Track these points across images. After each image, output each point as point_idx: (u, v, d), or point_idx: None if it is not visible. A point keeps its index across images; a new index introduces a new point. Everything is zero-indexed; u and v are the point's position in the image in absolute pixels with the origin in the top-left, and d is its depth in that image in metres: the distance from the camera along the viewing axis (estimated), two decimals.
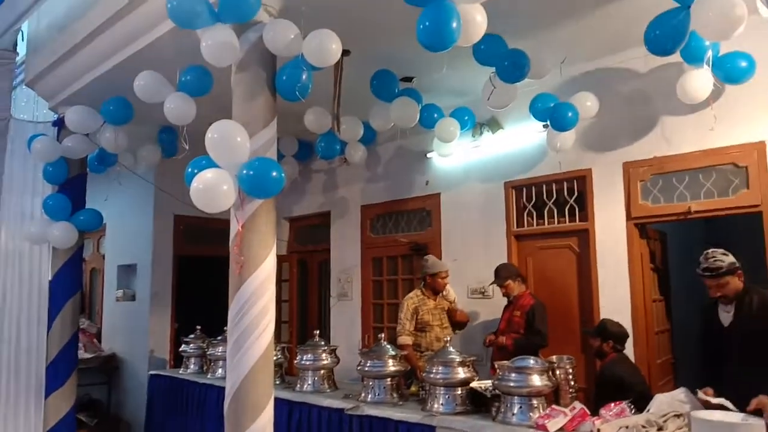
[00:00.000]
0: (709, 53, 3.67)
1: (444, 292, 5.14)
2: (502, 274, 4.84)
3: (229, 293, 3.46)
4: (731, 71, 3.78)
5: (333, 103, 4.38)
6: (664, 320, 5.13)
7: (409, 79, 4.97)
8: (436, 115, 5.08)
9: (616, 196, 4.77)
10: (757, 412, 2.70)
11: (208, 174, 3.25)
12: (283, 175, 3.34)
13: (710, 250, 3.32)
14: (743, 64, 3.75)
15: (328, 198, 7.07)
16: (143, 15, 4.22)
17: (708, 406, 2.98)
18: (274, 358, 4.90)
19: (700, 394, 3.08)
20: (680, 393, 3.24)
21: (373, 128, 5.27)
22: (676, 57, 3.89)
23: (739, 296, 3.29)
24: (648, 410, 3.18)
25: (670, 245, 5.47)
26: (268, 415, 3.41)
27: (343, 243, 6.83)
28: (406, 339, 4.95)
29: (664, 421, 2.97)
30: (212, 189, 3.23)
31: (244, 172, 3.25)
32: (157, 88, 4.33)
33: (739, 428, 2.61)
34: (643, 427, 2.88)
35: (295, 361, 4.81)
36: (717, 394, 3.03)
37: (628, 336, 4.06)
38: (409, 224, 6.35)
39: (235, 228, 3.42)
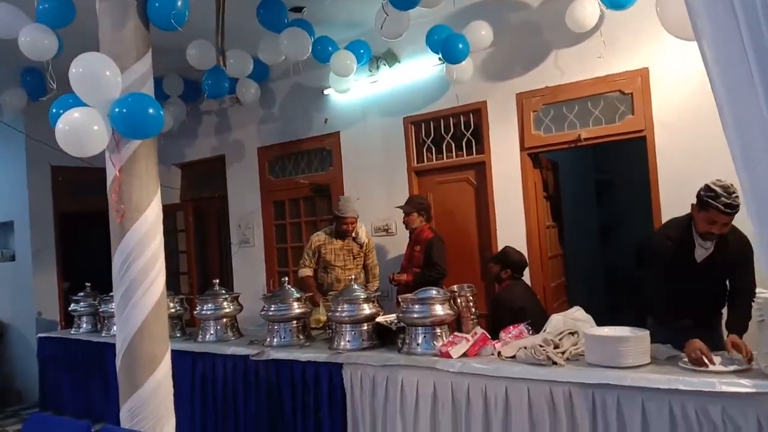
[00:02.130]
0: None
1: (354, 235, 5.01)
2: (409, 204, 4.85)
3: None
4: None
5: (216, 34, 4.06)
6: (557, 245, 5.38)
7: (299, 9, 4.70)
8: (330, 49, 4.87)
9: (510, 127, 4.84)
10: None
11: (74, 113, 2.91)
12: (162, 112, 3.05)
13: (728, 184, 2.84)
14: None
15: (221, 141, 6.72)
16: None
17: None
18: (172, 310, 4.80)
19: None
20: (574, 312, 3.39)
21: (264, 63, 4.98)
22: None
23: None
24: (545, 330, 3.30)
25: (561, 173, 5.68)
26: (165, 368, 3.25)
27: (240, 188, 6.56)
28: (304, 271, 5.01)
29: (560, 339, 3.10)
30: (80, 130, 2.90)
31: (117, 110, 2.93)
32: (10, 21, 3.80)
33: (627, 340, 2.76)
34: (541, 346, 2.98)
35: (195, 312, 4.61)
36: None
37: (527, 265, 4.20)
38: (309, 165, 6.17)
39: (112, 173, 3.12)
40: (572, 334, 3.17)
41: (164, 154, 7.27)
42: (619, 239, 7.35)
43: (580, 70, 4.49)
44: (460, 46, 4.42)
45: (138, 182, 3.14)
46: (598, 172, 7.54)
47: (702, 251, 3.06)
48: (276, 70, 5.87)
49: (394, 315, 3.72)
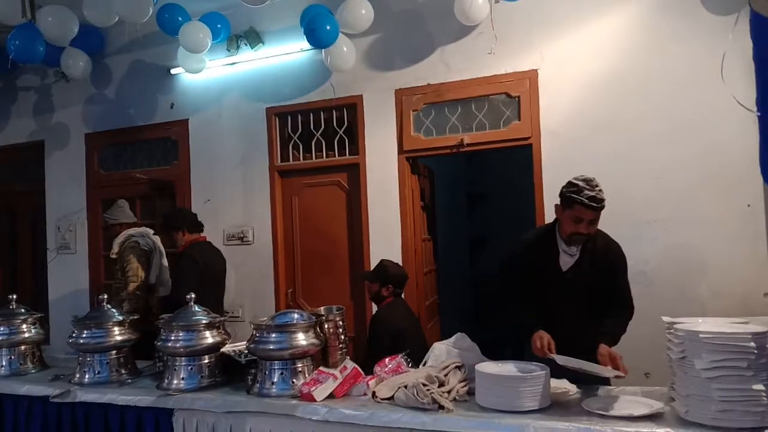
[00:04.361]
0: None
1: None
2: (167, 223, 4.24)
3: None
4: None
5: None
6: (431, 260, 4.96)
7: None
8: (180, 19, 4.12)
9: (388, 127, 4.37)
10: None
11: None
12: None
13: (590, 177, 2.65)
14: None
15: (40, 124, 5.57)
16: None
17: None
18: None
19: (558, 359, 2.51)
20: (458, 340, 2.90)
21: (97, 29, 4.08)
22: None
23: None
24: (425, 362, 2.79)
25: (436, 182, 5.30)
26: None
27: (62, 182, 5.47)
28: None
29: (446, 375, 2.59)
30: None
31: None
32: None
33: (526, 380, 2.30)
34: (424, 384, 2.44)
35: None
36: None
37: (407, 278, 3.71)
38: (150, 157, 5.26)
39: None
40: (459, 368, 2.67)
41: None
42: (490, 252, 7.17)
43: (465, 69, 4.11)
44: (328, 27, 3.85)
45: None
46: (470, 183, 7.33)
47: (567, 258, 2.77)
48: (114, 42, 4.98)
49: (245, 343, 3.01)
